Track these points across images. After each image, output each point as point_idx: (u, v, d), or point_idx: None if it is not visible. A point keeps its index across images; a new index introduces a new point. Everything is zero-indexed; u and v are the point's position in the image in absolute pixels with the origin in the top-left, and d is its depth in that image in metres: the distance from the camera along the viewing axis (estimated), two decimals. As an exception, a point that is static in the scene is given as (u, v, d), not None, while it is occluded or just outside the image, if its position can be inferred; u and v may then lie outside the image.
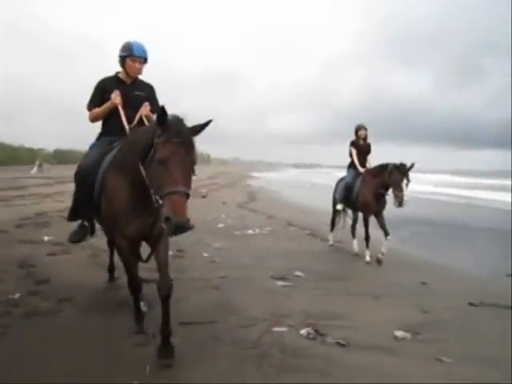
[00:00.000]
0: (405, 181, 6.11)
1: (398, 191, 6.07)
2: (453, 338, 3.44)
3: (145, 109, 3.41)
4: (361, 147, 6.92)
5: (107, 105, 3.38)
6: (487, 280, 5.57)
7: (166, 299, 2.90)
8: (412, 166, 6.16)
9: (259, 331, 3.32)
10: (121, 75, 3.54)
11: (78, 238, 3.46)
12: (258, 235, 8.07)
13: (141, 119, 3.40)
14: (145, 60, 3.49)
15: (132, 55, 3.40)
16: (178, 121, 2.54)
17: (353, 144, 6.94)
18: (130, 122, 3.35)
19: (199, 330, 3.31)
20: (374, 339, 3.31)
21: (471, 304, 4.40)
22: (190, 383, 2.55)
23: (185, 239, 6.78)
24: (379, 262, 6.06)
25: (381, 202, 6.37)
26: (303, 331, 3.35)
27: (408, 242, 8.05)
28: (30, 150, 76.63)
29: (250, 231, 8.42)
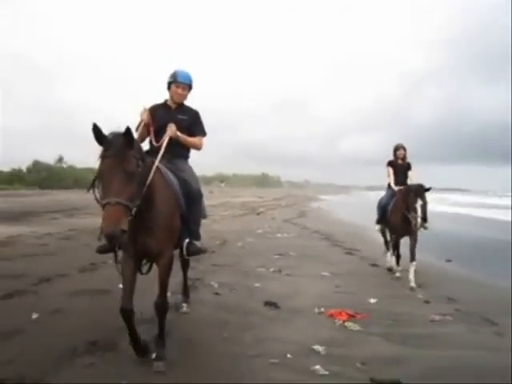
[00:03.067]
0: (420, 202, 6.24)
1: (413, 212, 6.24)
2: (338, 271, 6.74)
3: (170, 130, 3.62)
4: (399, 167, 7.19)
5: (141, 125, 3.66)
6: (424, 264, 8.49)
7: (160, 318, 3.25)
8: (429, 188, 6.40)
9: (251, 268, 6.89)
10: (168, 102, 3.91)
11: (104, 250, 3.30)
12: (283, 237, 11.57)
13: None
14: (189, 87, 3.88)
15: (176, 81, 3.79)
16: (110, 135, 2.70)
17: (390, 164, 7.29)
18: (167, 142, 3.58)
19: (217, 257, 6.98)
20: (302, 272, 6.74)
21: (373, 265, 7.71)
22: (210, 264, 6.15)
23: (230, 236, 10.58)
24: (412, 289, 6.09)
25: (409, 224, 6.38)
26: (271, 269, 6.89)
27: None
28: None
29: (279, 235, 11.96)
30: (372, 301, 5.35)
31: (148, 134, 3.76)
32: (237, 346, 3.67)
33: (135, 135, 3.30)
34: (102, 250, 3.33)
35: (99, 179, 2.62)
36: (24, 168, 66.59)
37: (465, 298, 5.58)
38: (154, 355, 3.23)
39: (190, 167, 3.94)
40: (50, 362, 3.16)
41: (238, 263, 7.38)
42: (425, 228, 6.66)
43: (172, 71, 3.86)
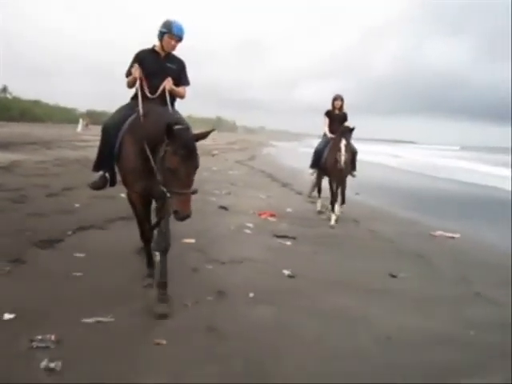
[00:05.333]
0: (344, 142, 6.92)
1: (338, 152, 6.93)
2: (271, 195, 9.78)
3: (168, 83, 3.82)
4: (335, 116, 7.72)
5: (130, 78, 3.86)
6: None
7: (163, 254, 3.60)
8: (353, 128, 7.21)
9: (209, 190, 9.75)
10: (157, 48, 3.99)
11: (97, 186, 4.04)
12: (234, 174, 14.48)
13: (165, 92, 3.82)
14: (181, 39, 3.97)
15: (170, 33, 3.87)
16: (184, 132, 3.12)
17: (327, 113, 7.84)
18: (156, 89, 3.80)
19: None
20: (246, 194, 9.70)
21: (298, 193, 10.77)
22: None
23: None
24: (332, 227, 7.14)
25: (345, 166, 7.05)
26: (223, 192, 9.82)
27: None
28: (64, 109, 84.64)
29: (231, 172, 14.87)
30: (288, 210, 8.41)
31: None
32: (203, 224, 6.56)
33: (125, 81, 3.93)
34: (94, 187, 4.07)
35: (172, 171, 3.03)
36: (-36, 97, 64.13)
37: (351, 213, 8.71)
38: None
39: (179, 112, 4.11)
40: (103, 222, 5.92)
41: (199, 188, 10.18)
42: (352, 176, 7.90)
43: (166, 20, 3.94)
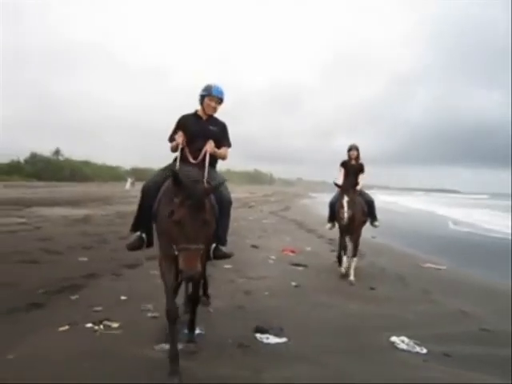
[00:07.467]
0: (346, 198, 6.93)
1: (341, 208, 6.99)
2: (296, 238, 11.90)
3: (209, 146, 3.94)
4: (351, 167, 7.60)
5: (174, 143, 4.02)
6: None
7: (193, 308, 4.00)
8: (355, 185, 7.37)
9: (244, 235, 12.02)
10: (199, 112, 4.24)
11: (134, 247, 4.04)
12: (267, 222, 16.73)
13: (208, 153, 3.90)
14: (221, 101, 4.21)
15: (210, 95, 4.14)
16: (192, 184, 3.08)
17: (343, 164, 7.71)
18: (199, 151, 3.91)
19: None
20: (275, 238, 11.88)
21: (319, 237, 12.81)
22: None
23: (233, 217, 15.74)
24: (351, 283, 7.02)
25: (352, 221, 7.01)
26: (256, 236, 12.05)
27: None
28: (111, 168, 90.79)
29: (264, 221, 17.15)
30: (308, 249, 10.49)
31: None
32: (239, 256, 8.72)
33: (169, 146, 4.12)
34: (131, 248, 4.06)
35: (178, 223, 2.97)
36: (21, 160, 70.32)
37: (361, 249, 10.65)
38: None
39: (220, 175, 4.26)
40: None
41: (236, 233, 12.41)
42: (374, 226, 7.91)
43: (207, 84, 4.21)
